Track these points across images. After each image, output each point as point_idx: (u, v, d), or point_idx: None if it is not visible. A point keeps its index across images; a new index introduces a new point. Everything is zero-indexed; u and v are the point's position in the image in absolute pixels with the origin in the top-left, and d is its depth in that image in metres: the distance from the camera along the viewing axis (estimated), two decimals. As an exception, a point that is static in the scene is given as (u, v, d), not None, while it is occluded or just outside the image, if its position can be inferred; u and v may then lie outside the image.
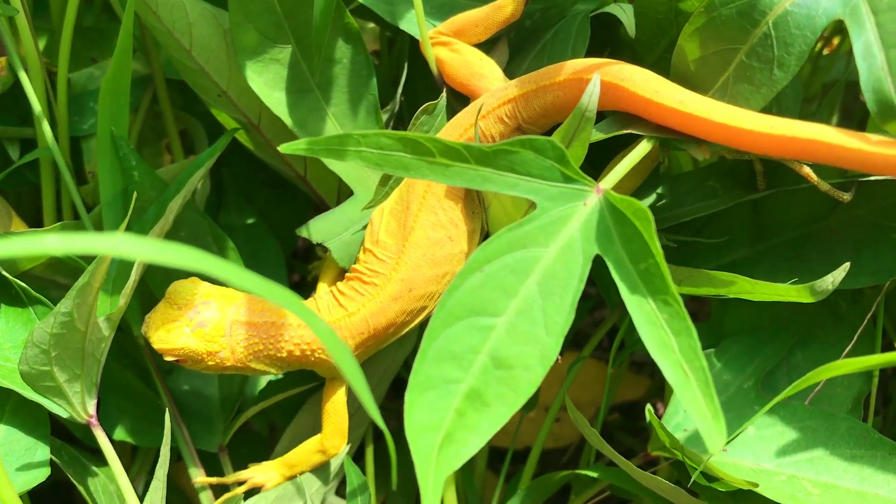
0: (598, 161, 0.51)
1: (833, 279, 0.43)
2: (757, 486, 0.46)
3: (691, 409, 0.35)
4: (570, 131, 0.43)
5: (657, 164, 0.51)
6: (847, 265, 0.44)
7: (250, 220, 0.65)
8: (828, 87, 0.81)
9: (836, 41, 0.80)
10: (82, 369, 0.47)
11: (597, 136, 0.46)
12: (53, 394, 0.47)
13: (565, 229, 0.40)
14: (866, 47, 0.38)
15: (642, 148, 0.44)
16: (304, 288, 0.73)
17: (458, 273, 0.39)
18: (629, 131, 0.44)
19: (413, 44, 0.58)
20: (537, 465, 0.64)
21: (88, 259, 0.56)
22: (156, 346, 0.49)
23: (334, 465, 0.55)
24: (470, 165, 0.40)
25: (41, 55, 0.57)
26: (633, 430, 0.84)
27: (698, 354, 0.36)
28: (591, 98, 0.42)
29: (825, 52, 0.80)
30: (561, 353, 0.39)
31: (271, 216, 0.67)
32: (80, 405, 0.48)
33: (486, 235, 0.53)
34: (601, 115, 0.47)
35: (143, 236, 0.27)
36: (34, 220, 0.62)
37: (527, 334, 0.39)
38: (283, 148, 0.39)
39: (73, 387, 0.47)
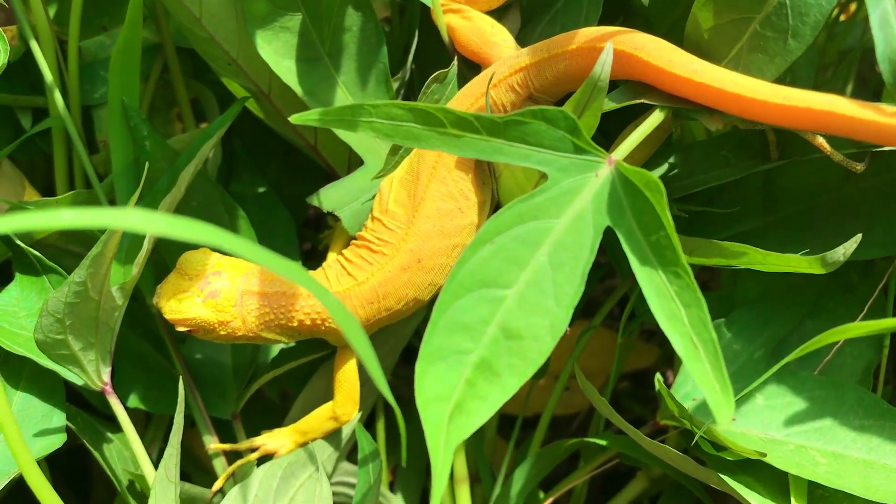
0: (610, 131, 0.51)
1: (844, 251, 0.43)
2: (765, 455, 0.46)
3: (700, 381, 0.35)
4: (583, 101, 0.42)
5: (669, 134, 0.51)
6: (859, 237, 0.43)
7: (261, 190, 0.65)
8: (844, 54, 0.80)
9: (852, 7, 0.79)
10: (96, 338, 0.47)
11: (609, 105, 0.45)
12: (68, 362, 0.47)
13: (577, 200, 0.40)
14: (883, 17, 0.37)
15: (655, 118, 0.43)
16: (315, 257, 0.73)
17: (469, 245, 0.39)
18: (642, 101, 0.44)
19: (424, 11, 0.57)
20: (547, 432, 0.65)
21: (101, 228, 0.56)
22: (167, 316, 0.49)
23: (346, 432, 0.56)
24: (481, 136, 0.40)
25: (52, 23, 0.56)
26: (643, 399, 0.84)
27: (708, 326, 0.36)
28: (603, 67, 0.41)
29: (841, 18, 0.79)
30: (571, 323, 0.39)
31: (282, 185, 0.67)
32: (95, 373, 0.49)
33: (496, 206, 0.53)
34: (614, 85, 0.47)
35: (153, 209, 0.27)
36: (46, 189, 0.62)
37: (537, 305, 0.39)
38: (295, 119, 0.39)
39: (88, 355, 0.48)
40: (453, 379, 0.38)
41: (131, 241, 0.51)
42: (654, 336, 0.87)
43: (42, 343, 0.46)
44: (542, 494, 0.65)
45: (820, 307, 0.57)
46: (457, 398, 0.38)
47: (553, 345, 0.39)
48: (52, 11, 0.65)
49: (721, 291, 0.59)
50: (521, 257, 0.40)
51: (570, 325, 0.66)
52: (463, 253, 0.39)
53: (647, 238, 0.38)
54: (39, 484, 0.41)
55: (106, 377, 0.50)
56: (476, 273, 0.39)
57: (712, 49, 0.44)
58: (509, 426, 0.76)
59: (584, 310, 0.84)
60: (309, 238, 0.75)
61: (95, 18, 0.65)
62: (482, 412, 0.38)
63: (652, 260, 0.38)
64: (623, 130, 0.49)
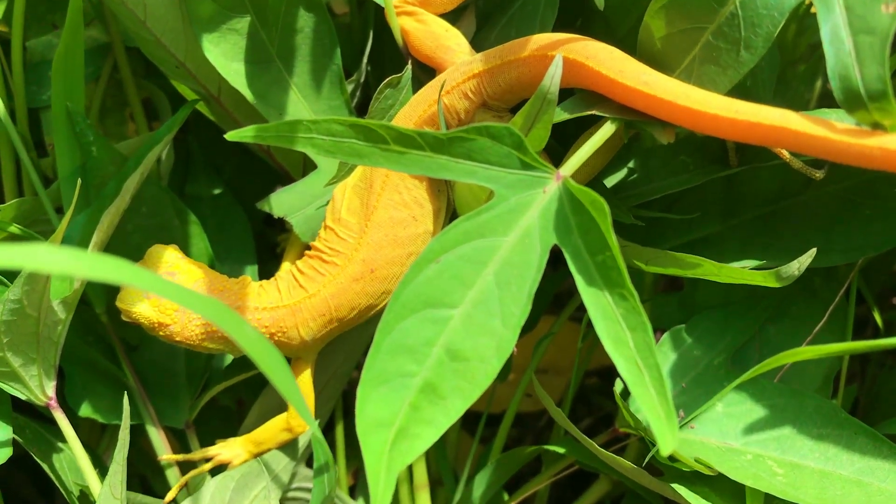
0: (564, 138, 0.50)
1: (799, 265, 0.43)
2: (715, 473, 0.46)
3: (645, 408, 0.34)
4: (533, 113, 0.41)
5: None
6: (814, 251, 0.43)
7: (217, 191, 0.63)
8: (814, 48, 0.79)
9: None
10: (38, 353, 0.46)
11: (561, 115, 0.44)
12: (9, 378, 0.46)
13: (524, 217, 0.39)
14: (834, 32, 0.36)
15: (605, 130, 0.42)
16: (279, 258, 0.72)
17: (413, 265, 0.38)
18: (593, 112, 0.43)
19: (379, 11, 0.56)
20: (513, 430, 0.64)
21: (46, 233, 0.55)
22: (117, 303, 0.48)
23: (303, 441, 0.55)
24: (425, 153, 0.38)
25: (-7, 24, 0.55)
26: (612, 394, 0.84)
27: (653, 351, 0.35)
28: (552, 80, 0.40)
29: (812, 10, 0.78)
30: (539, 317, 0.38)
31: (240, 185, 0.65)
32: (38, 388, 0.48)
33: (452, 213, 0.52)
34: (570, 92, 0.46)
35: (59, 247, 0.26)
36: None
37: (483, 326, 0.38)
38: (230, 136, 0.38)
39: (30, 370, 0.47)
40: (397, 403, 0.37)
41: (74, 253, 0.49)
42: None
43: (-21, 361, 0.45)
44: (506, 496, 0.65)
45: (782, 312, 0.56)
46: (400, 423, 0.37)
47: (500, 367, 0.38)
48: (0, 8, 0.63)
49: (682, 295, 0.58)
50: (468, 276, 0.39)
51: (537, 320, 0.66)
52: (406, 273, 0.38)
53: (593, 258, 0.37)
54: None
55: (50, 391, 0.48)
56: (421, 293, 0.38)
57: (665, 58, 0.42)
58: (475, 421, 0.75)
59: (553, 303, 0.83)
60: (272, 238, 0.74)
61: (47, 14, 0.63)
62: (427, 436, 0.37)
63: (598, 281, 0.37)
64: (578, 138, 0.48)
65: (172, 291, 0.26)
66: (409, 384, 0.37)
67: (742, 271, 0.44)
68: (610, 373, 0.86)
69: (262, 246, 0.66)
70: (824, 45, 0.36)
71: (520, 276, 0.38)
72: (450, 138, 0.38)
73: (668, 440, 0.33)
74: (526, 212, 0.39)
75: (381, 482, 0.35)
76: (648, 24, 0.42)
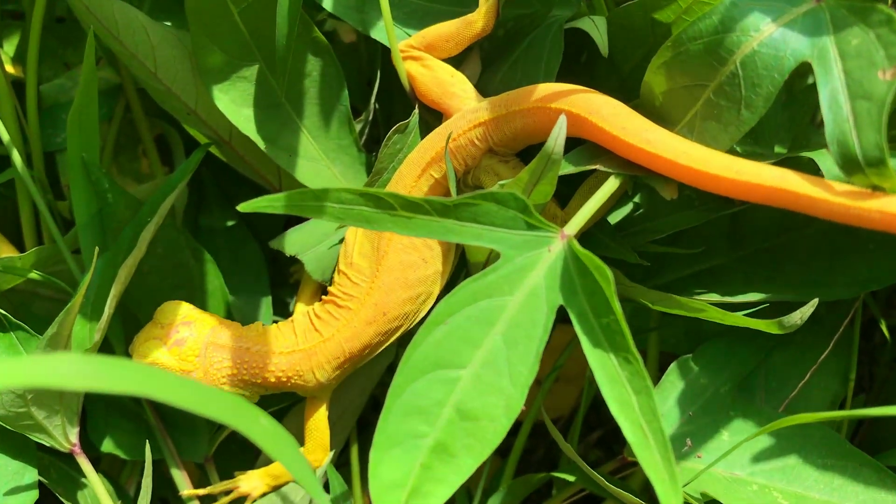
0: (569, 179, 0.50)
1: (801, 315, 0.44)
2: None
3: (648, 470, 0.36)
4: (538, 171, 0.42)
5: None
6: (815, 301, 0.44)
7: (231, 223, 0.65)
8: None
9: None
10: (61, 405, 0.48)
11: (566, 167, 0.45)
12: (34, 430, 0.48)
13: (530, 277, 0.40)
14: (832, 96, 0.37)
15: (609, 186, 0.43)
16: (288, 287, 0.73)
17: (422, 327, 0.39)
18: (597, 167, 0.44)
19: (385, 51, 0.56)
20: (529, 439, 0.65)
21: (66, 279, 0.56)
22: (135, 360, 0.50)
23: (318, 473, 0.56)
24: (432, 218, 0.39)
25: (7, 76, 0.56)
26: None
27: (657, 416, 0.36)
28: (556, 141, 0.41)
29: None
30: (554, 327, 0.39)
31: (252, 216, 0.66)
32: (62, 436, 0.49)
33: (461, 252, 0.53)
34: (576, 141, 0.47)
35: (88, 358, 0.27)
36: (16, 234, 0.62)
37: (492, 385, 0.39)
38: (242, 207, 0.39)
39: (53, 421, 0.48)
40: (409, 464, 0.38)
41: (93, 305, 0.51)
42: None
43: (4, 417, 0.46)
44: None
45: (787, 339, 0.57)
46: (412, 483, 0.38)
47: (509, 425, 0.39)
48: (11, 47, 0.64)
49: (689, 322, 0.59)
50: (476, 337, 0.40)
51: (554, 329, 0.67)
52: (415, 336, 0.39)
53: (598, 320, 0.38)
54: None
55: (74, 438, 0.50)
56: (430, 355, 0.39)
57: (667, 113, 0.43)
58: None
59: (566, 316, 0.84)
60: (285, 266, 0.75)
61: (58, 49, 0.64)
62: (439, 494, 0.39)
63: (603, 343, 0.38)
64: (583, 183, 0.49)
65: (189, 389, 0.28)
66: (420, 445, 0.39)
67: (746, 319, 0.45)
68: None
69: (275, 271, 0.68)
70: (822, 109, 0.37)
71: (527, 335, 0.39)
72: (456, 204, 0.39)
73: (673, 501, 0.34)
74: (532, 271, 0.40)
75: (395, 544, 0.37)
76: (649, 80, 0.43)
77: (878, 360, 0.73)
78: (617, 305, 0.37)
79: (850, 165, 0.37)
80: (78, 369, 0.26)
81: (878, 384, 0.71)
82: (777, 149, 0.54)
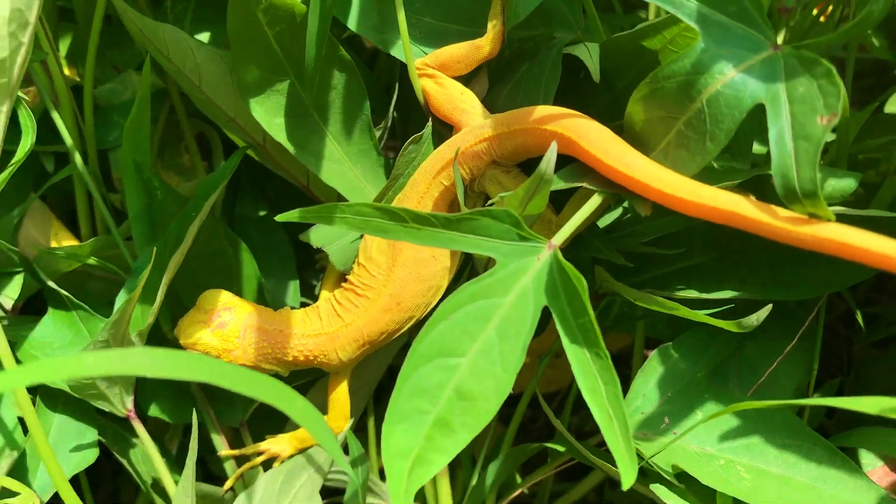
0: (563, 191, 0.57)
1: (757, 318, 0.50)
2: (678, 481, 0.54)
3: (612, 448, 0.43)
4: (532, 189, 0.49)
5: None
6: (769, 307, 0.50)
7: (262, 213, 0.72)
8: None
9: (829, 9, 0.81)
10: (121, 377, 0.55)
11: (557, 183, 0.52)
12: (97, 398, 0.56)
13: (521, 280, 0.47)
14: (779, 134, 0.43)
15: (594, 202, 0.50)
16: (314, 270, 0.79)
17: (427, 322, 0.46)
18: (583, 185, 0.50)
19: (403, 67, 0.63)
20: (529, 409, 0.71)
21: (118, 263, 0.64)
22: (182, 342, 0.58)
23: (339, 438, 0.64)
24: (438, 230, 0.46)
25: (66, 79, 0.63)
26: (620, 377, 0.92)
27: (620, 403, 0.43)
28: (548, 164, 0.47)
29: (821, 20, 0.80)
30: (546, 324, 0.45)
31: (281, 206, 0.74)
32: (120, 403, 0.57)
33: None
34: (569, 158, 0.53)
35: (161, 351, 0.34)
36: (72, 222, 0.69)
37: (486, 371, 0.47)
38: (280, 217, 0.46)
39: (113, 390, 0.56)
40: (415, 436, 0.46)
41: (146, 291, 0.58)
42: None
43: (74, 387, 0.54)
44: (519, 479, 0.74)
45: (760, 330, 0.63)
46: (417, 452, 0.46)
47: (499, 404, 0.46)
48: (63, 47, 0.71)
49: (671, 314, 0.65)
50: (474, 331, 0.47)
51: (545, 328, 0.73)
52: (422, 329, 0.46)
53: (576, 320, 0.45)
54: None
55: (129, 405, 0.58)
56: (434, 345, 0.46)
57: (645, 139, 0.49)
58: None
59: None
60: (312, 251, 0.82)
61: (106, 50, 0.71)
62: (439, 462, 0.46)
63: (579, 339, 0.45)
64: (571, 197, 0.55)
65: (240, 375, 0.35)
66: (425, 420, 0.46)
67: (710, 318, 0.51)
68: (616, 359, 0.94)
69: (302, 256, 0.75)
70: (771, 144, 0.43)
71: (516, 330, 0.46)
72: (458, 219, 0.46)
73: (630, 478, 0.42)
74: (522, 276, 0.47)
75: (401, 500, 0.44)
76: (630, 111, 0.49)
77: (855, 343, 0.79)
78: (590, 309, 0.44)
79: (790, 195, 0.43)
80: (153, 362, 0.34)
81: (855, 367, 0.78)
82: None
